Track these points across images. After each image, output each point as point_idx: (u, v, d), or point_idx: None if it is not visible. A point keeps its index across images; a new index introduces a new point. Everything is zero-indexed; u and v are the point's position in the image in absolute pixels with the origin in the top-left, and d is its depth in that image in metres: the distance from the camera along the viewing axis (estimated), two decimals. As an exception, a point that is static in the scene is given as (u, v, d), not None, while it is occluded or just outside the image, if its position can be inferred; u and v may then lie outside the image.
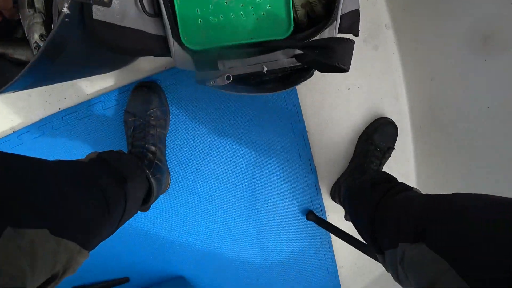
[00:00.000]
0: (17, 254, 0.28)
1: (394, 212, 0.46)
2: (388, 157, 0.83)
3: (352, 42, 0.37)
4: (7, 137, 0.80)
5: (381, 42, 0.81)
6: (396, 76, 0.83)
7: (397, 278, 0.44)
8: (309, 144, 0.84)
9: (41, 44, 0.57)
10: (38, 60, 0.41)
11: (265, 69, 0.47)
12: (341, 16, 0.47)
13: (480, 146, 0.70)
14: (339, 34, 0.49)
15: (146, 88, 0.69)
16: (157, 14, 0.45)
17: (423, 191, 0.94)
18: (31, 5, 0.57)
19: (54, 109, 0.80)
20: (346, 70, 0.38)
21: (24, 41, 0.61)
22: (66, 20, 0.40)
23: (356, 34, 0.52)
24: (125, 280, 0.93)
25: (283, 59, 0.46)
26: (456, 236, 0.32)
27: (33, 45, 0.58)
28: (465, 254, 0.30)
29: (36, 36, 0.57)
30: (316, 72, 0.56)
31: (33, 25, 0.57)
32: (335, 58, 0.36)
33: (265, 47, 0.43)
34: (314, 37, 0.44)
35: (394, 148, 0.83)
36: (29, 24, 0.57)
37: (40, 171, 0.36)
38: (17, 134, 0.80)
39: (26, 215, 0.31)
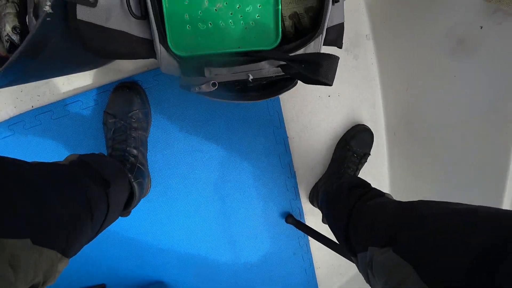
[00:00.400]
0: (2, 266, 0.27)
1: (367, 218, 0.49)
2: (364, 163, 0.87)
3: (337, 58, 0.39)
4: (-28, 137, 0.75)
5: (361, 52, 0.84)
6: (374, 85, 0.87)
7: (368, 280, 0.46)
8: (289, 148, 0.86)
9: (14, 37, 0.54)
10: (15, 61, 0.40)
11: (251, 77, 0.47)
12: (327, 29, 0.49)
13: (448, 152, 0.75)
14: (324, 46, 0.51)
15: (127, 88, 0.67)
16: (144, 16, 0.45)
17: (396, 194, 0.98)
18: (4, -8, 0.54)
19: (26, 107, 0.76)
20: (330, 85, 0.40)
21: (-5, 35, 0.58)
22: (48, 19, 0.39)
23: (340, 47, 0.54)
24: (101, 287, 0.90)
25: (268, 68, 0.47)
26: (417, 241, 0.34)
27: (5, 38, 0.55)
28: (425, 258, 0.32)
29: (8, 28, 0.54)
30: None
31: (5, 16, 0.53)
32: (320, 73, 0.38)
33: (252, 57, 0.44)
34: (300, 48, 0.46)
35: (370, 154, 0.87)
36: (1, 14, 0.53)
37: (21, 175, 0.34)
38: (-16, 132, 0.76)
39: (9, 224, 0.29)
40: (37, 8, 0.54)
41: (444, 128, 0.74)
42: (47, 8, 0.38)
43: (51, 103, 0.75)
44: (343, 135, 0.88)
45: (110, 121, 0.66)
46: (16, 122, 0.75)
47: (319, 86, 0.84)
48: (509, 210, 0.32)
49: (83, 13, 0.41)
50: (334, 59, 0.39)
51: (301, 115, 0.85)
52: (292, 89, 0.80)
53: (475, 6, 0.58)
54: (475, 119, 0.66)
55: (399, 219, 0.41)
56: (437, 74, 0.72)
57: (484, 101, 0.63)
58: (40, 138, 0.75)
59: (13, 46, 0.56)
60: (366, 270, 0.45)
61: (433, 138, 0.78)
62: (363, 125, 0.87)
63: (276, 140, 0.84)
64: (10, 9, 0.55)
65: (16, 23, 0.54)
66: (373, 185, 0.65)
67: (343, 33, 0.53)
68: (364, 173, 0.90)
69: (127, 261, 0.90)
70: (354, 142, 0.85)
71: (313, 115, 0.85)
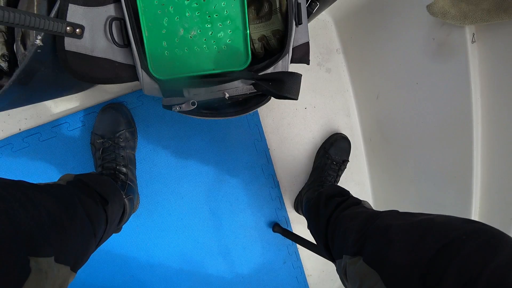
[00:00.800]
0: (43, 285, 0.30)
1: (341, 227, 0.53)
2: (344, 169, 0.92)
3: (300, 75, 0.45)
4: (-41, 160, 0.77)
5: (333, 66, 0.91)
6: (347, 96, 0.94)
7: (344, 285, 0.50)
8: (271, 160, 0.91)
9: (2, 64, 0.58)
10: (8, 89, 0.44)
11: (227, 95, 0.53)
12: (293, 48, 0.55)
13: (419, 155, 0.81)
14: (292, 64, 0.57)
15: (113, 109, 0.72)
16: (126, 44, 0.50)
17: (378, 197, 1.03)
18: (-9, 23, 0.59)
19: (14, 130, 0.79)
20: (295, 99, 0.46)
21: (-18, 61, 0.61)
22: (38, 51, 0.44)
23: (307, 63, 0.60)
24: (91, 304, 0.91)
25: (242, 86, 0.53)
26: (382, 250, 0.38)
27: None
28: (388, 266, 0.36)
29: None
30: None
31: None
32: (285, 89, 0.43)
33: (225, 77, 0.50)
34: (269, 68, 0.51)
35: (348, 161, 0.92)
36: None
37: (39, 198, 0.38)
38: (-29, 156, 0.78)
39: (40, 244, 0.33)
40: (24, 36, 0.59)
41: (412, 133, 0.81)
42: (38, 42, 0.43)
43: (39, 126, 0.78)
44: (322, 144, 0.93)
45: (98, 141, 0.70)
46: (4, 145, 0.78)
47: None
48: (459, 218, 0.37)
49: (70, 44, 0.46)
50: (297, 77, 0.45)
51: (280, 128, 0.90)
52: (270, 104, 0.86)
53: (427, 21, 0.66)
54: (438, 124, 0.73)
55: (367, 229, 0.45)
56: (401, 82, 0.79)
57: (445, 107, 0.70)
58: (29, 160, 0.78)
59: (1, 73, 0.60)
60: (341, 276, 0.49)
61: (404, 142, 0.84)
62: (340, 133, 0.94)
63: (258, 152, 0.89)
64: (-2, 38, 0.59)
65: (4, 51, 0.59)
66: (355, 190, 0.70)
67: (309, 51, 0.59)
68: (346, 179, 0.95)
69: (117, 277, 0.92)
70: (333, 151, 0.91)
71: (292, 127, 0.91)
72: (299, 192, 0.96)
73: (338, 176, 0.91)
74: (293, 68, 0.54)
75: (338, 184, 0.91)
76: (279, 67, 0.52)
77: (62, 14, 0.43)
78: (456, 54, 0.63)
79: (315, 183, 0.90)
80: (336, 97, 0.93)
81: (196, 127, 0.84)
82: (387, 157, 0.93)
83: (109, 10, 0.49)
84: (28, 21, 0.36)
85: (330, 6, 0.66)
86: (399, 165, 0.89)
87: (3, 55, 0.59)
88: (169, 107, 0.53)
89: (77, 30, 0.45)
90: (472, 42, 0.62)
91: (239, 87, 0.53)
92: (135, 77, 0.51)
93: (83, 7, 0.45)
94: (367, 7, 0.79)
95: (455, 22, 0.60)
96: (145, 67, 0.48)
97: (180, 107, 0.52)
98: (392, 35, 0.77)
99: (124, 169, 0.70)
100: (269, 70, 0.52)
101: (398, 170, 0.89)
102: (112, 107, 0.73)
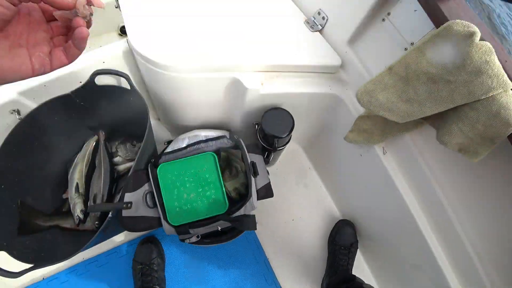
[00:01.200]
0: None
1: None
2: (355, 251, 1.11)
3: (253, 216, 0.80)
4: (37, 283, 1.11)
5: (309, 181, 1.25)
6: (326, 202, 1.24)
7: None
8: (271, 268, 1.15)
9: (81, 216, 0.98)
10: (94, 239, 0.83)
11: (219, 228, 0.88)
12: (257, 190, 0.91)
13: (396, 246, 1.03)
14: (259, 199, 0.92)
15: (148, 242, 1.09)
16: (154, 206, 0.90)
17: (370, 268, 1.18)
18: (77, 190, 1.00)
19: (79, 259, 1.16)
20: (255, 229, 0.80)
21: (69, 214, 0.99)
22: (109, 219, 0.84)
23: (271, 196, 0.95)
24: None
25: (226, 223, 0.88)
26: None
27: (76, 218, 0.96)
28: None
29: (78, 211, 0.96)
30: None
31: (76, 204, 0.97)
32: (244, 226, 0.78)
33: (214, 218, 0.86)
34: (241, 208, 0.87)
35: (357, 241, 1.11)
36: (74, 203, 0.98)
37: None
38: (47, 280, 1.12)
39: None
40: (95, 197, 1.02)
41: (382, 227, 1.06)
42: (110, 215, 0.83)
43: (97, 255, 1.16)
44: (330, 232, 1.15)
45: (138, 267, 1.05)
46: (71, 271, 1.14)
47: (281, 214, 1.23)
48: None
49: (125, 212, 0.85)
50: (251, 217, 0.80)
51: (274, 239, 1.19)
52: (262, 221, 1.18)
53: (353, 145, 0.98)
54: (394, 219, 0.97)
55: None
56: (357, 187, 1.07)
57: (391, 206, 0.97)
58: (89, 282, 1.13)
59: (80, 221, 1.00)
60: None
61: (380, 234, 1.08)
62: (342, 220, 1.16)
63: (258, 263, 1.16)
64: (79, 199, 0.99)
65: (82, 207, 0.98)
66: (359, 271, 0.90)
67: (270, 188, 0.94)
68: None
69: None
70: (338, 237, 1.13)
71: (285, 237, 1.19)
72: (322, 279, 1.14)
73: (349, 258, 1.09)
74: (262, 203, 0.89)
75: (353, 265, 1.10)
76: (247, 207, 0.88)
77: (122, 199, 0.84)
78: (377, 163, 0.92)
79: (330, 269, 1.10)
80: (318, 206, 1.23)
81: (207, 250, 1.17)
82: (377, 250, 1.14)
83: (145, 187, 0.90)
84: (108, 207, 0.77)
85: (295, 136, 0.99)
86: (386, 256, 1.10)
87: (81, 210, 1.00)
88: (182, 240, 0.89)
89: (129, 205, 0.85)
90: (384, 153, 0.91)
91: (225, 222, 0.88)
92: (160, 225, 0.89)
93: (132, 192, 0.86)
94: (320, 135, 1.15)
95: (365, 144, 0.92)
96: (165, 219, 0.86)
97: (189, 240, 0.87)
98: (337, 153, 1.08)
99: (158, 287, 1.02)
100: (242, 210, 0.87)
101: (387, 260, 1.10)
102: (147, 240, 1.10)
